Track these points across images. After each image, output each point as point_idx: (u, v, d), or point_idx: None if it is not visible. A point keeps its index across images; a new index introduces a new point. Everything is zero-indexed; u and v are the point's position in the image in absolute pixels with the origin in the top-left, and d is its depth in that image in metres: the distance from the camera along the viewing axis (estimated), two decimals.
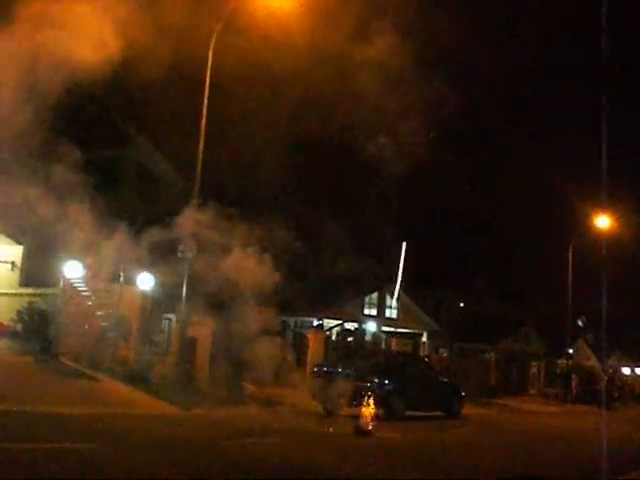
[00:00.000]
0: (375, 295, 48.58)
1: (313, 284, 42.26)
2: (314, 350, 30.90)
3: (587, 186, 36.05)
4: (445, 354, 48.89)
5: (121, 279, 26.73)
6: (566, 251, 45.06)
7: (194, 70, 22.52)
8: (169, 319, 26.90)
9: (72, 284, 27.89)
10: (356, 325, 44.79)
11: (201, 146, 23.33)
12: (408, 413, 23.83)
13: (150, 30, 19.23)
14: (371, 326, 46.38)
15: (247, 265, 21.87)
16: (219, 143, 23.29)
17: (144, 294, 26.47)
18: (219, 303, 23.39)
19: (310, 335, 33.12)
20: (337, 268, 42.54)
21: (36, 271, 28.53)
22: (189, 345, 24.67)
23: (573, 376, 48.83)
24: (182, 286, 23.43)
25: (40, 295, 28.46)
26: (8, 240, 30.25)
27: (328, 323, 42.52)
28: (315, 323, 41.95)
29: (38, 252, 27.43)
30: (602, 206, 35.43)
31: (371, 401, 18.83)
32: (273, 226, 23.75)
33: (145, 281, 26.36)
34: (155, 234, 23.30)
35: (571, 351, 51.59)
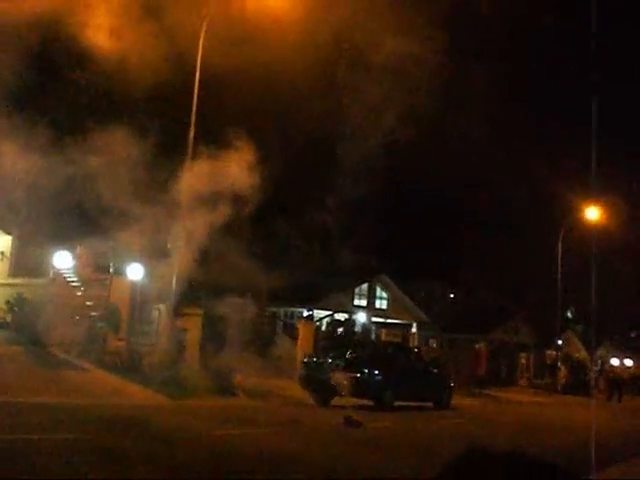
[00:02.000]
0: (365, 286, 48.67)
1: (303, 275, 42.30)
2: (304, 341, 30.91)
3: (578, 177, 36.16)
4: (435, 345, 49.00)
5: (111, 269, 26.70)
6: (556, 242, 45.19)
7: (187, 60, 22.53)
8: (159, 309, 26.86)
9: (62, 274, 27.85)
10: (346, 316, 44.81)
11: (190, 140, 23.28)
12: (397, 404, 23.89)
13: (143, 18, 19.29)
14: (361, 317, 46.44)
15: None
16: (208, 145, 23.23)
17: (134, 284, 26.44)
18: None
19: (300, 326, 33.13)
20: (327, 259, 42.60)
21: (26, 261, 28.53)
22: (179, 335, 24.66)
23: (562, 367, 49.03)
24: (172, 277, 23.41)
25: (30, 285, 28.41)
26: None
27: (318, 314, 42.54)
28: (305, 314, 41.97)
29: (28, 242, 27.42)
30: (592, 198, 35.60)
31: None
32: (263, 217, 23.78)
33: (135, 271, 26.32)
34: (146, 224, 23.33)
35: (560, 342, 51.77)
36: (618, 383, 44.38)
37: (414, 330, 49.17)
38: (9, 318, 27.83)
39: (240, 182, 23.22)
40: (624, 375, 55.88)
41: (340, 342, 34.36)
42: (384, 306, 49.48)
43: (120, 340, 25.55)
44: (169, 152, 23.15)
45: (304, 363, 25.56)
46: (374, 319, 47.06)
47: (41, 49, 19.92)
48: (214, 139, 23.32)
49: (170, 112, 23.81)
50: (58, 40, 19.89)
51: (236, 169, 23.02)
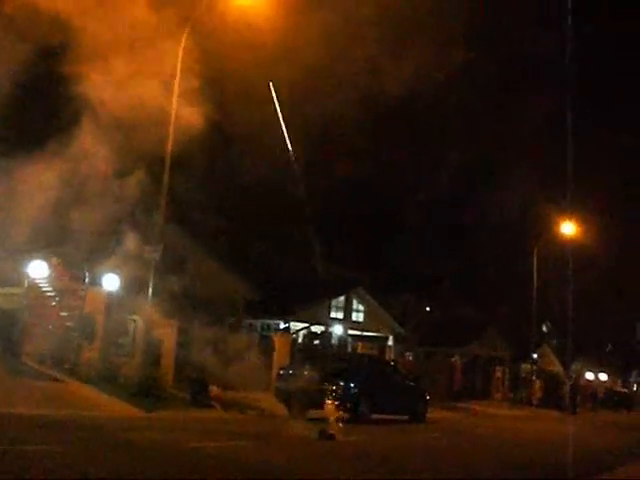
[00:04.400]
0: (342, 299, 48.69)
1: (280, 287, 42.28)
2: (280, 353, 30.83)
3: (553, 192, 36.45)
4: (411, 358, 49.06)
5: (86, 280, 26.53)
6: (531, 256, 45.46)
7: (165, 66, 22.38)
8: (134, 320, 26.71)
9: (36, 284, 27.63)
10: (322, 328, 44.83)
11: (169, 148, 23.21)
12: (373, 416, 23.89)
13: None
14: (337, 329, 46.46)
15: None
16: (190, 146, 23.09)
17: (109, 295, 26.28)
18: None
19: (276, 338, 33.05)
20: (304, 271, 42.66)
21: (0, 270, 28.26)
22: (154, 347, 24.52)
23: (537, 381, 49.25)
24: (147, 287, 23.26)
25: (4, 295, 28.16)
26: None
27: (295, 326, 42.53)
28: (282, 326, 41.94)
29: (2, 251, 27.18)
30: (568, 212, 35.85)
31: (335, 404, 18.93)
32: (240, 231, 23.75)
33: (110, 281, 26.16)
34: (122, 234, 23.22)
35: (535, 356, 52.03)
36: (574, 396, 44.67)
37: (390, 343, 49.23)
38: None
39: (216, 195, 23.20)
40: (597, 389, 56.37)
41: (317, 354, 34.34)
42: (360, 319, 49.53)
43: (94, 351, 25.37)
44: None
45: (280, 375, 25.51)
46: (350, 332, 47.10)
47: None
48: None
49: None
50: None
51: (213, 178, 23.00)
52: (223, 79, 21.51)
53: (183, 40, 22.52)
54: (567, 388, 45.73)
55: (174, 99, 22.83)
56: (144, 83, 21.20)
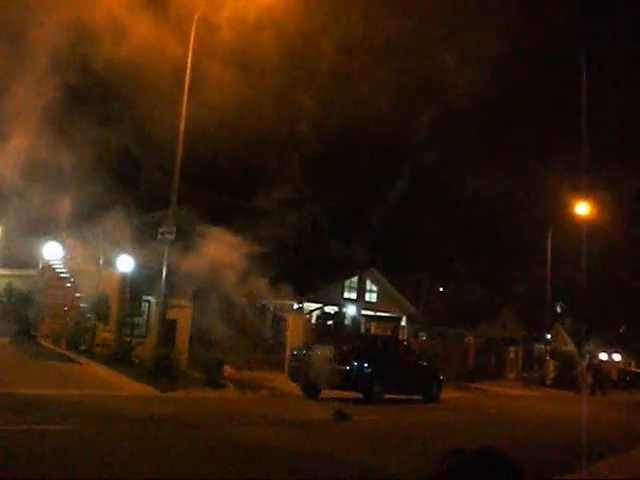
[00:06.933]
0: (355, 279, 48.66)
1: (293, 267, 42.29)
2: (294, 333, 30.92)
3: (569, 172, 36.26)
4: (424, 338, 49.05)
5: (101, 261, 26.64)
6: (545, 237, 45.27)
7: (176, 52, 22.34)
8: (149, 301, 26.82)
9: (51, 265, 27.77)
10: (336, 308, 44.84)
11: (182, 130, 23.21)
12: (387, 396, 23.93)
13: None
14: (351, 310, 46.45)
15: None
16: (200, 130, 23.09)
17: (124, 276, 26.39)
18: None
19: (290, 318, 33.13)
20: (317, 252, 42.62)
21: (15, 252, 28.38)
22: (169, 327, 24.63)
23: (551, 361, 49.20)
24: (162, 268, 23.34)
25: (19, 276, 28.31)
26: None
27: (308, 306, 42.56)
28: (295, 306, 41.97)
29: (17, 233, 27.30)
30: (583, 193, 35.69)
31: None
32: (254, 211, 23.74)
33: (125, 263, 26.25)
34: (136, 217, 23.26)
35: (549, 336, 51.94)
36: (600, 377, 44.59)
37: (404, 323, 49.24)
38: None
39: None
40: (611, 370, 56.22)
41: (330, 335, 34.40)
42: (374, 299, 49.47)
43: (109, 332, 25.50)
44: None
45: (294, 355, 25.58)
46: (364, 312, 47.08)
47: None
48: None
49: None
50: None
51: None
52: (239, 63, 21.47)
53: (193, 28, 22.51)
54: (581, 368, 45.67)
55: (187, 74, 22.87)
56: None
